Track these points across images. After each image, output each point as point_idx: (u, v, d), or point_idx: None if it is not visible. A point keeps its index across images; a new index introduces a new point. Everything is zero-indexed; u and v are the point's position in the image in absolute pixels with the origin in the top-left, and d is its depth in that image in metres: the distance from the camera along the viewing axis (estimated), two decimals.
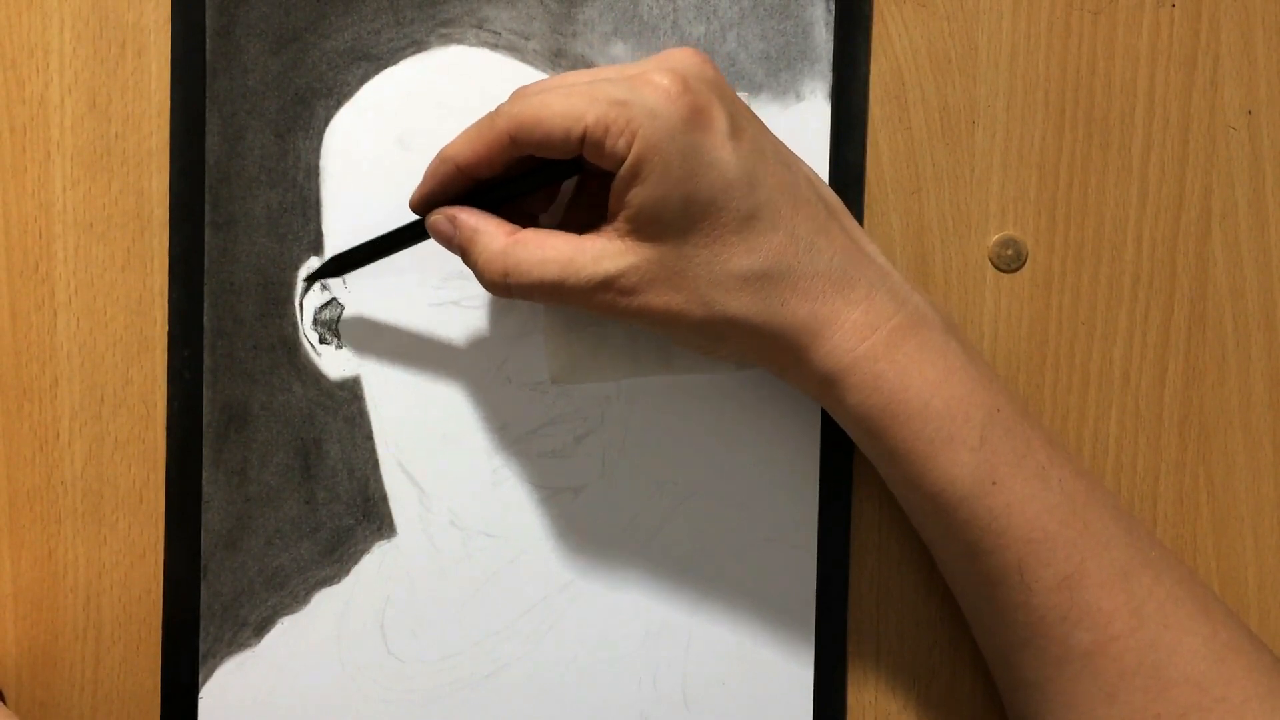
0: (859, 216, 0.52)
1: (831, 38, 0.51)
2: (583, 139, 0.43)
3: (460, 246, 0.46)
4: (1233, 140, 0.53)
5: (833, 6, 0.51)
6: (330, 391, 0.51)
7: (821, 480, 0.52)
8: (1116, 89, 0.52)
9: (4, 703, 0.51)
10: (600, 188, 0.46)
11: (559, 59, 0.51)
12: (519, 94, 0.46)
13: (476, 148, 0.45)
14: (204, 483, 0.51)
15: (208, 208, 0.51)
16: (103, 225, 0.51)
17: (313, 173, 0.51)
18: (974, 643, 0.52)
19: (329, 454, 0.51)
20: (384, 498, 0.52)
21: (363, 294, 0.51)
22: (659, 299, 0.44)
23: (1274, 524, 0.54)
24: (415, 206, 0.47)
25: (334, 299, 0.51)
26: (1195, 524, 0.53)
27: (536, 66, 0.51)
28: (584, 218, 0.48)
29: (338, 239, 0.51)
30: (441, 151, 0.46)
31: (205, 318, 0.51)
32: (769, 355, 0.46)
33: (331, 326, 0.51)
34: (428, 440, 0.51)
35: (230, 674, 0.51)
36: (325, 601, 0.52)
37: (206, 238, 0.51)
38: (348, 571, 0.52)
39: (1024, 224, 0.52)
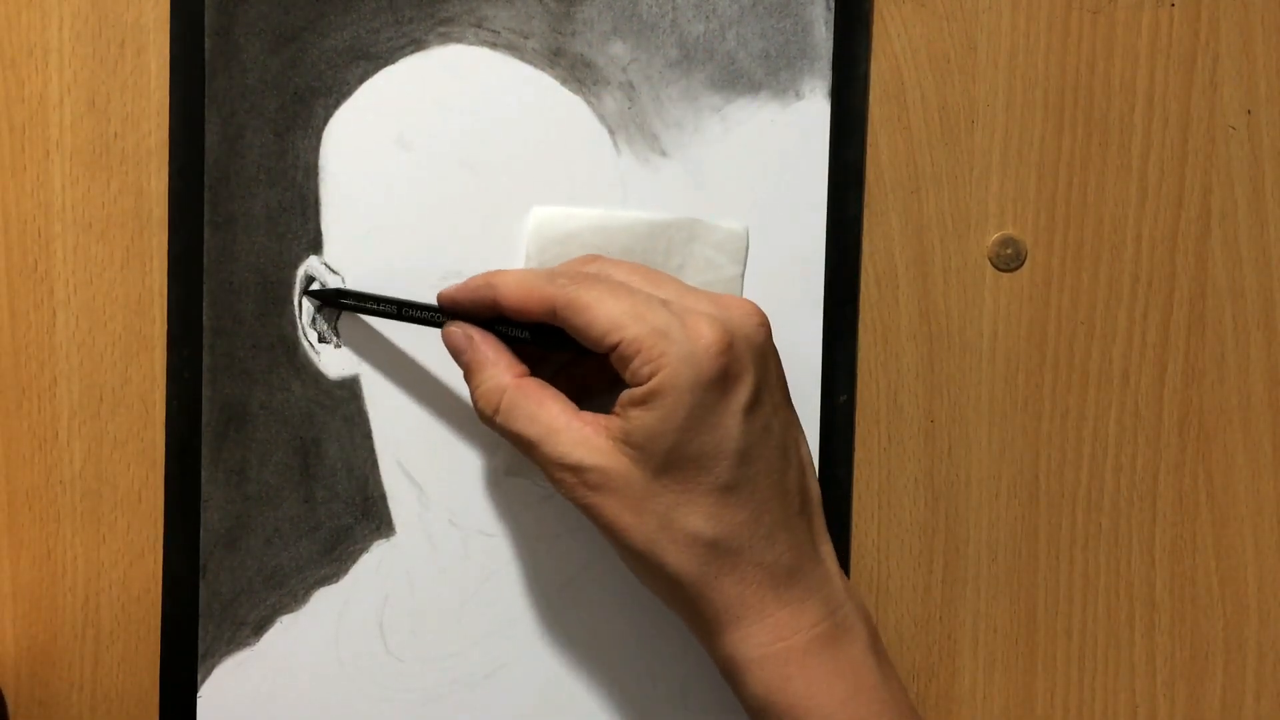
0: (859, 216, 0.52)
1: (831, 36, 0.51)
2: (614, 348, 0.44)
3: (467, 366, 0.47)
4: (1232, 140, 0.53)
5: (832, 5, 0.51)
6: (329, 390, 0.51)
7: (821, 480, 0.52)
8: (1116, 88, 0.52)
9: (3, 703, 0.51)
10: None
11: (558, 58, 0.51)
12: (593, 272, 0.47)
13: (523, 297, 0.46)
14: (203, 482, 0.51)
15: (207, 207, 0.51)
16: (102, 224, 0.51)
17: (312, 171, 0.51)
18: (974, 642, 0.52)
19: (328, 453, 0.51)
20: (383, 497, 0.52)
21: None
22: (612, 509, 0.44)
23: (1274, 524, 0.54)
24: (443, 302, 0.48)
25: None
26: (1195, 524, 0.53)
27: (536, 65, 0.51)
28: (590, 368, 0.48)
29: (337, 238, 0.51)
30: (491, 276, 0.47)
31: (204, 317, 0.51)
32: (686, 615, 0.46)
33: (330, 325, 0.51)
34: (427, 439, 0.51)
35: (229, 673, 0.51)
36: (324, 600, 0.52)
37: (205, 237, 0.51)
38: (346, 570, 0.52)
39: (1023, 223, 0.52)
